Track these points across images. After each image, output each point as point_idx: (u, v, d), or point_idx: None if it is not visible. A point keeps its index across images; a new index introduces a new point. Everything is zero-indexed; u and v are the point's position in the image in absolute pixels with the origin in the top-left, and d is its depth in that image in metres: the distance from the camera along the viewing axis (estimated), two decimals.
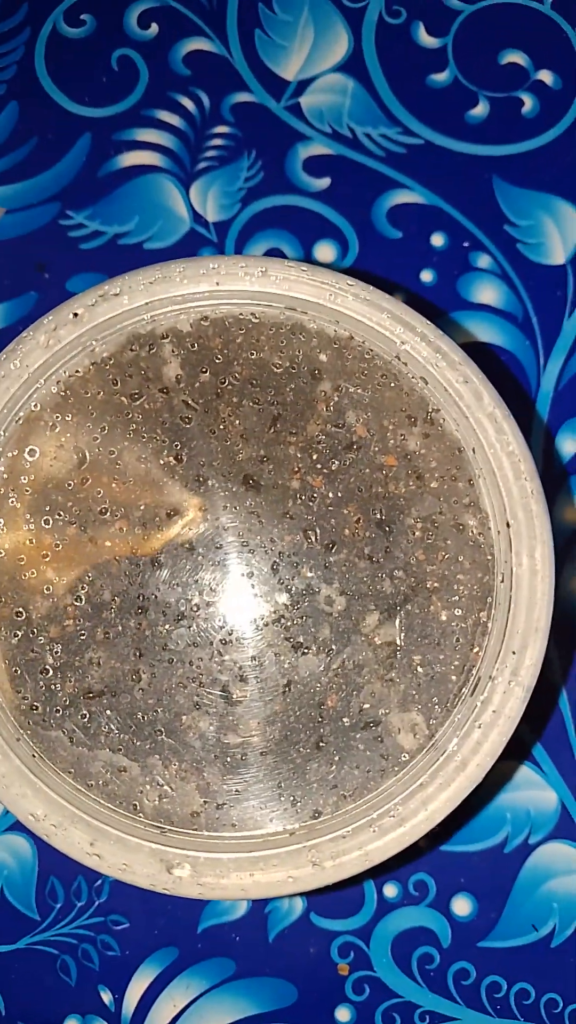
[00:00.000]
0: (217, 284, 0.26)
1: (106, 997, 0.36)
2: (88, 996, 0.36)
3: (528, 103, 0.40)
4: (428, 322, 0.26)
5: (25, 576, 0.27)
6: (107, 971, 0.36)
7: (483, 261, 0.39)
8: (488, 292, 0.39)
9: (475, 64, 0.41)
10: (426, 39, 0.41)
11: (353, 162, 0.40)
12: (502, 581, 0.26)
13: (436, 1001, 0.35)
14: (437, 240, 0.39)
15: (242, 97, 0.41)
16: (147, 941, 0.36)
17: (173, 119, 0.40)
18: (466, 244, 0.39)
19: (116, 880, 0.36)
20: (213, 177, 0.40)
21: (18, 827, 0.36)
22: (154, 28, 0.41)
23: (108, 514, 0.27)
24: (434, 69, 0.41)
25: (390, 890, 0.36)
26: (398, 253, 0.39)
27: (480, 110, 0.40)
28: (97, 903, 0.36)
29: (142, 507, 0.27)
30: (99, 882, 0.36)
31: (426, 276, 0.39)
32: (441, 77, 0.41)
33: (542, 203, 0.40)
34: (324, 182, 0.40)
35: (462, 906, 0.36)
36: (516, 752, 0.36)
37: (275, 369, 0.27)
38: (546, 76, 0.41)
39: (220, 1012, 0.35)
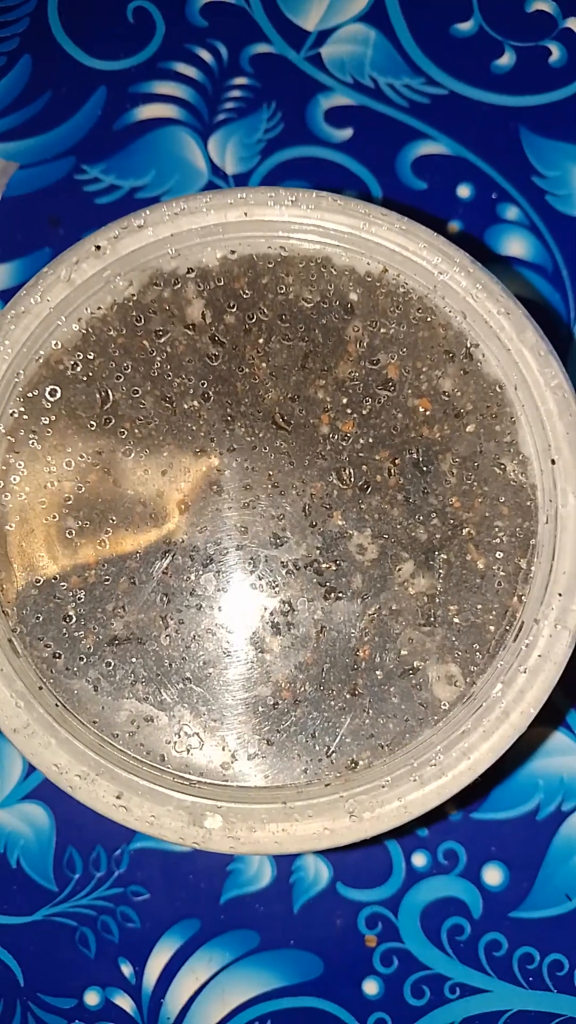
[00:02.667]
0: (245, 215, 0.25)
1: (126, 970, 0.35)
2: (108, 969, 0.35)
3: (555, 52, 0.39)
4: (466, 253, 0.25)
5: (46, 520, 0.25)
6: (127, 943, 0.35)
7: (511, 213, 0.38)
8: (517, 244, 0.38)
9: (500, 12, 0.40)
10: None
11: (376, 113, 0.39)
12: (546, 522, 0.25)
13: (467, 973, 0.34)
14: (463, 191, 0.38)
15: (261, 48, 0.39)
16: (168, 913, 0.35)
17: (190, 71, 0.39)
18: (494, 195, 0.38)
19: (135, 849, 0.35)
20: (232, 129, 0.39)
21: (34, 795, 0.35)
22: None
23: (132, 455, 0.26)
24: (458, 18, 0.40)
25: (419, 859, 0.35)
26: (424, 205, 0.38)
27: (506, 60, 0.39)
28: (116, 874, 0.35)
29: (166, 452, 0.26)
30: (118, 852, 0.35)
31: (453, 228, 0.38)
32: (466, 26, 0.40)
33: (571, 154, 0.39)
34: (346, 133, 0.39)
35: (493, 875, 0.35)
36: (549, 717, 0.35)
37: (305, 303, 0.26)
38: (574, 24, 0.39)
39: (243, 985, 0.34)
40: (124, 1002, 0.34)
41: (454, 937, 0.34)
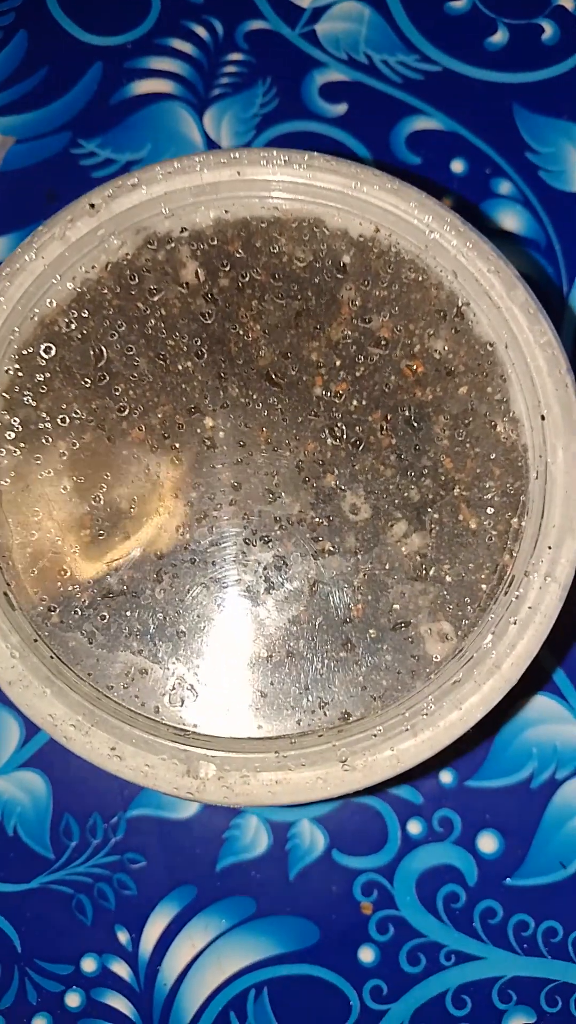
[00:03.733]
0: (238, 173, 0.25)
1: (123, 937, 0.35)
2: (105, 936, 0.35)
3: (548, 30, 0.40)
4: (456, 214, 0.25)
5: (41, 476, 0.26)
6: (124, 911, 0.35)
7: (504, 188, 0.38)
8: (510, 219, 0.38)
9: None
10: None
11: (370, 88, 0.39)
12: (536, 478, 0.25)
13: (462, 940, 0.34)
14: (457, 167, 0.38)
15: (256, 25, 0.40)
16: (165, 880, 0.35)
17: (186, 47, 0.40)
18: (488, 171, 0.38)
19: (132, 817, 0.35)
20: (227, 104, 0.39)
21: (31, 763, 0.35)
22: None
23: (127, 412, 0.26)
24: None
25: (414, 827, 0.35)
26: (418, 179, 0.38)
27: (499, 37, 0.40)
28: (113, 841, 0.35)
29: (160, 410, 0.26)
30: (115, 819, 0.35)
31: (447, 202, 0.38)
32: (459, 4, 0.40)
33: (563, 130, 0.39)
34: (341, 108, 0.39)
35: (488, 843, 0.35)
36: (538, 680, 0.35)
37: (298, 264, 0.26)
38: (566, 2, 0.40)
39: (240, 952, 0.35)
40: (121, 968, 0.35)
41: (449, 904, 0.35)
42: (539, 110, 0.39)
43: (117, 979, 0.35)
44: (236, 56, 0.39)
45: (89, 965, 0.35)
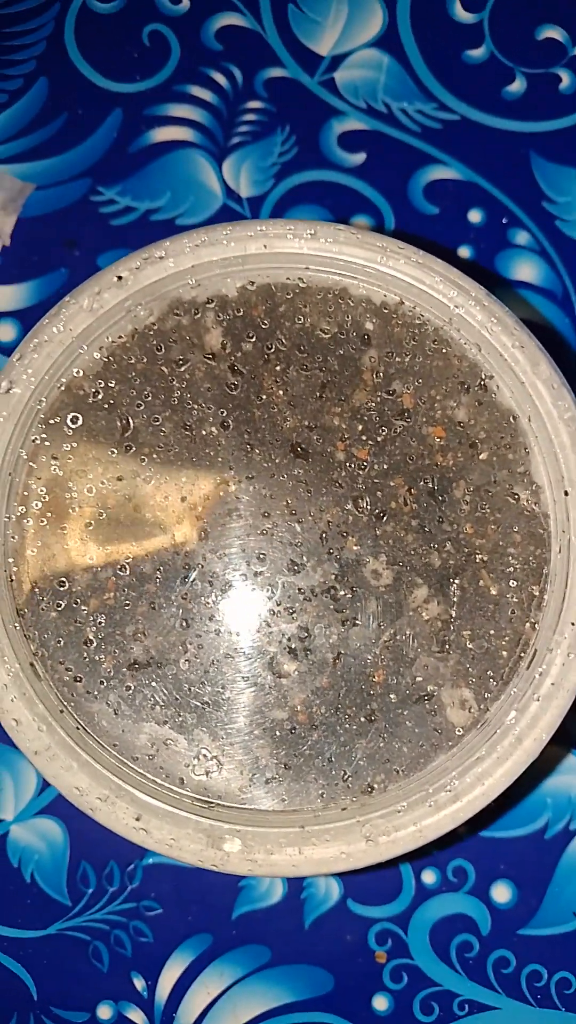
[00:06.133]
0: (264, 247, 0.26)
1: (139, 984, 0.35)
2: (121, 983, 0.35)
3: (566, 79, 0.40)
4: (481, 287, 0.26)
5: (68, 545, 0.26)
6: (140, 958, 0.35)
7: (521, 238, 0.38)
8: (527, 269, 0.38)
9: (512, 40, 0.40)
10: (462, 14, 0.40)
11: (389, 137, 0.39)
12: (559, 552, 0.25)
13: (475, 990, 0.35)
14: (475, 216, 0.39)
15: (275, 72, 0.40)
16: (181, 928, 0.35)
17: (205, 94, 0.40)
18: (505, 220, 0.39)
19: (148, 865, 0.35)
20: (246, 152, 0.39)
21: (49, 811, 0.36)
22: (186, 3, 0.40)
23: (152, 483, 0.26)
24: (470, 45, 0.40)
25: (429, 876, 0.35)
26: (435, 229, 0.39)
27: (517, 86, 0.40)
28: (129, 888, 0.35)
29: (185, 478, 0.26)
30: (131, 867, 0.35)
31: (463, 253, 0.38)
32: (477, 53, 0.40)
33: None
34: (359, 157, 0.39)
35: (502, 893, 0.35)
36: (560, 738, 0.35)
37: (322, 334, 0.26)
38: None
39: (255, 1000, 0.35)
40: (136, 1016, 0.35)
41: (463, 954, 0.35)
42: (556, 159, 0.39)
43: None
44: (255, 104, 0.40)
45: (105, 1012, 0.35)
